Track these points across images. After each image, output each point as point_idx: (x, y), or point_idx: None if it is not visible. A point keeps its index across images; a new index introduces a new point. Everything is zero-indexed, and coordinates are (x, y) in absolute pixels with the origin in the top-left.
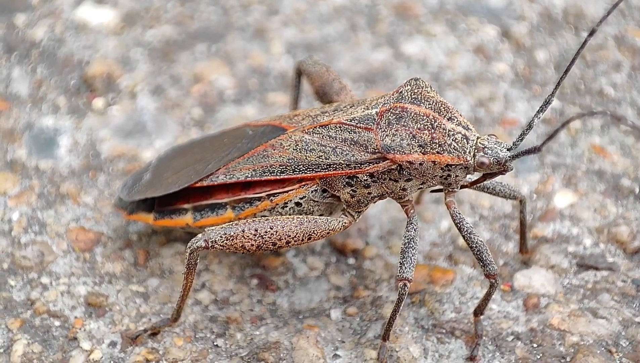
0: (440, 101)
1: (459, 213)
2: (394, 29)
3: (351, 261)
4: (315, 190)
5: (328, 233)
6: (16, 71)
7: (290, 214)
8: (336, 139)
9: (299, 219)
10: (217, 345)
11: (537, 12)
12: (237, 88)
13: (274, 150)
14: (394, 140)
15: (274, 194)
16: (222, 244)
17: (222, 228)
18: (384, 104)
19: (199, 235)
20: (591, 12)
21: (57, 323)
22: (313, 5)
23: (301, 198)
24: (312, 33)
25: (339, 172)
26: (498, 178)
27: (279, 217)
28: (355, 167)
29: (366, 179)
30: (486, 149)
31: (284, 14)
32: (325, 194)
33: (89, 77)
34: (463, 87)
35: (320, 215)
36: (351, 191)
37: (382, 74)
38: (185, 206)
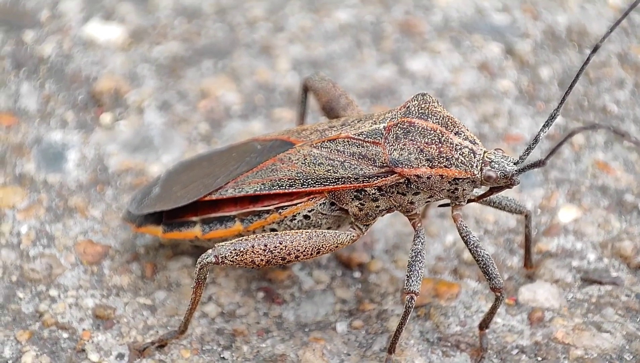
0: (447, 116)
1: (466, 227)
2: (399, 46)
3: (357, 274)
4: (323, 203)
5: (337, 246)
6: (25, 86)
7: (298, 227)
8: (344, 154)
9: (307, 233)
10: (223, 357)
11: (541, 29)
12: (243, 104)
13: (283, 164)
14: (402, 154)
15: (282, 207)
16: (232, 259)
17: (231, 243)
18: (392, 118)
19: (209, 251)
20: (594, 30)
21: (65, 335)
22: (318, 23)
23: (309, 211)
24: (317, 50)
25: (347, 186)
26: (504, 193)
27: (287, 232)
28: (363, 181)
29: (374, 193)
30: (493, 163)
31: (289, 31)
32: (333, 207)
33: (97, 92)
34: (467, 103)
35: (329, 228)
36: (359, 205)
37: (387, 90)
38: (194, 218)
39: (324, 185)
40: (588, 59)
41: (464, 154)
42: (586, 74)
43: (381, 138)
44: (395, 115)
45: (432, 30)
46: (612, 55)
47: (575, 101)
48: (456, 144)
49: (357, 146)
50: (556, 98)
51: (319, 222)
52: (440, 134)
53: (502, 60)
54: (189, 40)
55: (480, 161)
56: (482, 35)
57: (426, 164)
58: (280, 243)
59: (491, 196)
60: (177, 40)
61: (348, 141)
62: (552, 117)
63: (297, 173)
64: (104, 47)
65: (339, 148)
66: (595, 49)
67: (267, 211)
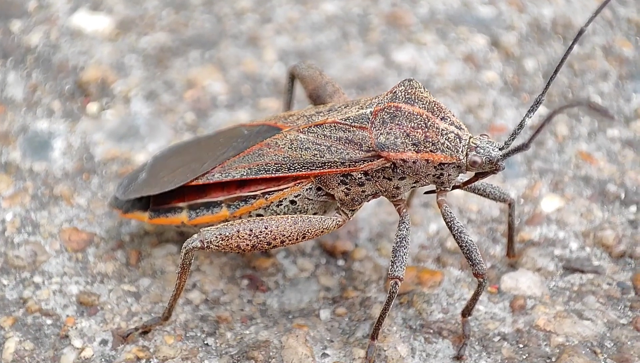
0: (433, 101)
1: (450, 212)
2: (385, 38)
3: (341, 262)
4: (310, 188)
5: (322, 231)
6: (11, 75)
7: (285, 213)
8: (331, 138)
9: (293, 218)
10: (207, 343)
11: (526, 22)
12: (229, 94)
13: (270, 149)
14: (388, 138)
15: (269, 193)
16: (217, 244)
17: (217, 228)
18: (378, 103)
19: (195, 236)
20: (579, 23)
21: (49, 321)
22: (305, 14)
23: (296, 196)
24: (304, 41)
25: (334, 170)
26: (488, 180)
27: (273, 217)
28: (349, 165)
29: (360, 178)
30: (478, 148)
31: (276, 22)
32: (319, 192)
33: (84, 82)
34: (453, 94)
35: (315, 213)
36: (345, 190)
37: (373, 81)
38: (181, 204)
39: (311, 170)
40: (574, 41)
41: (449, 139)
42: (570, 65)
43: (368, 123)
44: (381, 100)
45: (418, 22)
46: (597, 47)
47: (559, 92)
48: (442, 129)
49: (343, 130)
50: (541, 90)
51: (305, 207)
52: (426, 119)
53: (488, 52)
54: (177, 31)
55: (466, 146)
56: (467, 27)
57: (412, 149)
58: (266, 228)
59: (476, 183)
60: (165, 31)
61: (335, 126)
62: (537, 103)
63: (283, 158)
64: (91, 37)
65: (325, 133)
66: (580, 33)
67: (254, 197)
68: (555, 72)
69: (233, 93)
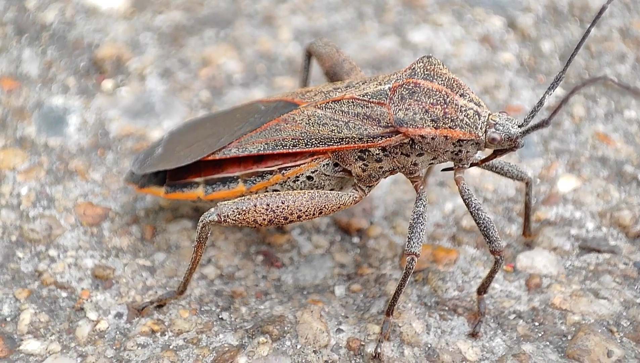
0: (452, 78)
1: (468, 189)
2: (401, 18)
3: (355, 240)
4: (327, 164)
5: (339, 207)
6: (26, 52)
7: (301, 188)
8: (349, 114)
9: (310, 194)
10: (222, 318)
11: (543, 4)
12: (244, 72)
13: (287, 124)
14: (407, 114)
15: (285, 168)
16: (234, 218)
17: (234, 202)
18: (397, 80)
19: (212, 209)
20: (597, 5)
21: (64, 294)
22: None
23: (313, 172)
24: (319, 21)
25: (352, 146)
26: (505, 158)
27: (290, 192)
28: (367, 141)
29: (378, 153)
30: (498, 125)
31: (292, 2)
32: (336, 168)
33: (99, 59)
34: (469, 75)
35: (331, 190)
36: (363, 165)
37: (389, 61)
38: (197, 179)
39: (328, 145)
40: (595, 19)
41: (468, 116)
42: (587, 48)
43: (386, 99)
44: (400, 76)
45: (434, 4)
46: (614, 30)
47: (576, 74)
48: (461, 106)
49: (361, 106)
50: (557, 71)
51: (322, 183)
52: (445, 95)
53: (504, 33)
54: (192, 9)
55: (485, 123)
56: (484, 8)
57: (431, 125)
58: (283, 203)
59: (493, 161)
60: (180, 10)
61: (352, 102)
62: (557, 80)
63: (301, 133)
64: (106, 15)
65: (343, 109)
66: (602, 10)
67: (270, 172)
68: (577, 48)
69: (248, 72)
